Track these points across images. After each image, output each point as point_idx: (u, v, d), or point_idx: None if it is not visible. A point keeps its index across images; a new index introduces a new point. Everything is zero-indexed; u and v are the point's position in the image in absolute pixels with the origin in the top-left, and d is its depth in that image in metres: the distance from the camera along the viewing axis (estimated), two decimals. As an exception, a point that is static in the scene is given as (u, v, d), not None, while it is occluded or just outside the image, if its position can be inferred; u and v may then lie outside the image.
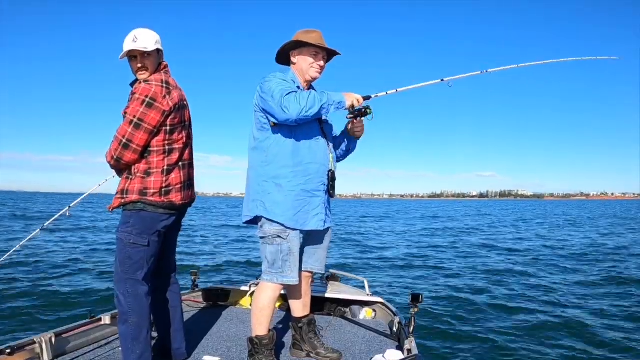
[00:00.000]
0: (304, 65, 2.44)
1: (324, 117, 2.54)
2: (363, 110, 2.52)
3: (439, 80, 2.96)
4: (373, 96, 2.63)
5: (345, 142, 2.71)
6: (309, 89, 2.51)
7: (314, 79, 2.51)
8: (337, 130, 2.76)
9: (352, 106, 2.46)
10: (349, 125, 2.62)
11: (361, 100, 2.49)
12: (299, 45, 2.43)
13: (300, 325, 2.63)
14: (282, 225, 2.31)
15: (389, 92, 2.78)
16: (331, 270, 4.12)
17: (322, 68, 2.49)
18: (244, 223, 2.49)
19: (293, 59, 2.47)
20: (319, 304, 3.51)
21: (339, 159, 2.73)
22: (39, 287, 6.88)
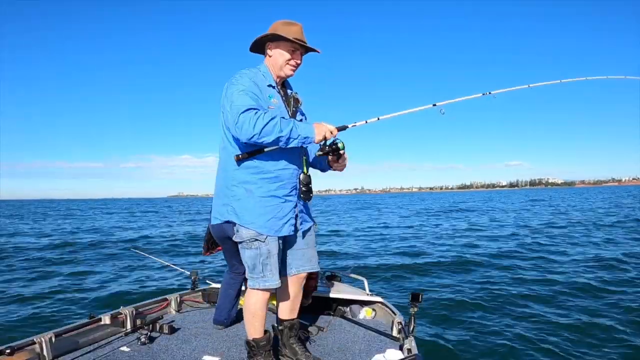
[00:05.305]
0: (280, 60, 2.31)
1: (298, 117, 2.40)
2: (334, 145, 2.29)
3: (431, 105, 2.64)
4: (350, 126, 2.37)
5: (320, 163, 2.56)
6: (282, 85, 2.42)
7: (288, 77, 2.40)
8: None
9: (324, 139, 2.24)
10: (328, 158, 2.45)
11: (335, 132, 2.26)
12: (277, 38, 2.29)
13: (280, 328, 2.55)
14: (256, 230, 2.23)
15: (369, 121, 2.46)
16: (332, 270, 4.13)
17: (297, 66, 2.35)
18: (212, 225, 2.41)
19: (269, 51, 2.34)
20: (318, 303, 3.51)
21: (313, 166, 2.56)
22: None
